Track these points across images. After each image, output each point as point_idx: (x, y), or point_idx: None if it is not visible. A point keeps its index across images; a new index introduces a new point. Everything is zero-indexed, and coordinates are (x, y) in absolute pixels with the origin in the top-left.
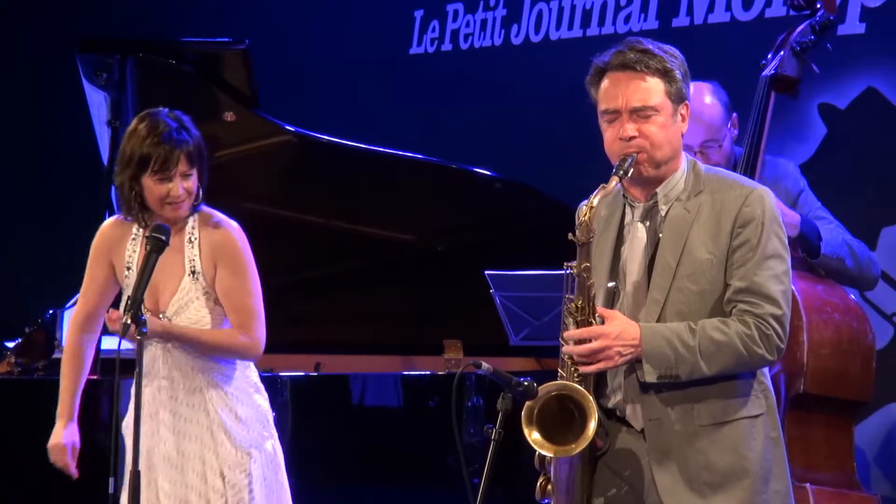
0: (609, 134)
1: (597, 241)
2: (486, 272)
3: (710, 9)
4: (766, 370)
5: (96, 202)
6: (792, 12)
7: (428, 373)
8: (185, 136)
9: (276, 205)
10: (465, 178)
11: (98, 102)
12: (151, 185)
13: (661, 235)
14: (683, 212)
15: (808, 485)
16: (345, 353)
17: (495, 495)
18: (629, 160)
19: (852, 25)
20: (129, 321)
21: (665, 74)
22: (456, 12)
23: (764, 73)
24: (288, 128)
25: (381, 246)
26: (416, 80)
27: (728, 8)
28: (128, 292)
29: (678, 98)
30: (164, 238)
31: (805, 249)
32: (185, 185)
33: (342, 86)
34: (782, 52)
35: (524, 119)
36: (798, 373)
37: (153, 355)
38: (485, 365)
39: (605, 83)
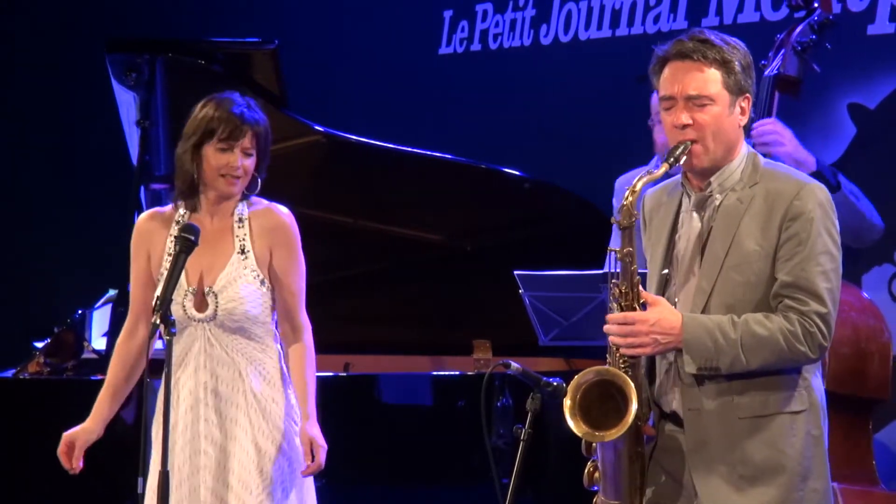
0: (667, 122)
1: (656, 227)
2: (516, 272)
3: (740, 9)
4: (812, 367)
5: (126, 202)
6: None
7: (457, 373)
8: (256, 116)
9: (305, 204)
10: (494, 177)
11: (127, 102)
12: (211, 155)
13: (712, 225)
14: (736, 202)
15: (835, 484)
16: (374, 354)
17: (524, 495)
18: (681, 148)
19: (882, 25)
20: (157, 321)
21: (723, 65)
22: (485, 12)
23: (766, 73)
24: (317, 128)
25: (410, 246)
26: (446, 81)
27: (757, 8)
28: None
29: (737, 90)
30: (192, 238)
31: None
32: (244, 161)
33: (371, 86)
34: (783, 52)
35: (553, 119)
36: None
37: (194, 337)
38: (514, 365)
39: (665, 72)
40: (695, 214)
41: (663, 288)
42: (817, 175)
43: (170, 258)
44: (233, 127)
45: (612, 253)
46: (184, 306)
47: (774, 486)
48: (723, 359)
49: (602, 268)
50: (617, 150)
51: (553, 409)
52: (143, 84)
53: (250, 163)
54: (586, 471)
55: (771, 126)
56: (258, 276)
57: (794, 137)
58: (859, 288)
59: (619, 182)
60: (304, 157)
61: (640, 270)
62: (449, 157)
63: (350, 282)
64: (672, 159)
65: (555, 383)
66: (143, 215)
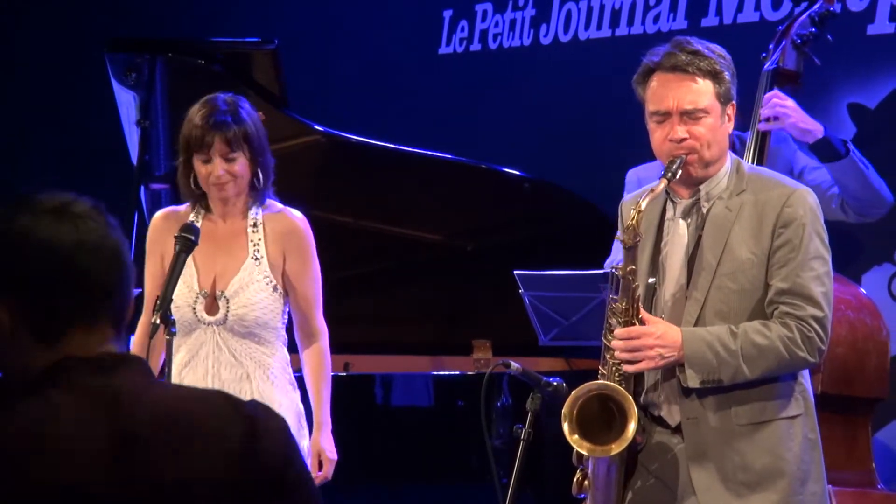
0: (658, 135)
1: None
2: (516, 272)
3: (740, 8)
4: (804, 371)
5: (126, 202)
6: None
7: (457, 373)
8: (227, 119)
9: (305, 205)
10: (494, 177)
11: (127, 102)
12: (198, 167)
13: (702, 234)
14: (725, 210)
15: (829, 486)
16: (374, 353)
17: (524, 495)
18: (678, 162)
19: (882, 25)
20: (157, 321)
21: (715, 76)
22: (485, 12)
23: (765, 68)
24: (317, 127)
25: (410, 246)
26: (445, 80)
27: (757, 7)
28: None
29: (726, 99)
30: (192, 238)
31: (826, 153)
32: (226, 167)
33: (371, 85)
34: (783, 45)
35: (553, 119)
36: (814, 373)
37: (202, 341)
38: (514, 365)
39: (653, 83)
40: (681, 222)
41: (651, 297)
42: (824, 142)
43: None
44: (201, 137)
45: (613, 270)
46: (194, 309)
47: (775, 491)
48: (725, 370)
49: (602, 267)
50: (617, 151)
51: (553, 408)
52: (143, 84)
53: (239, 166)
54: (575, 479)
55: (776, 99)
56: (270, 281)
57: (798, 106)
58: (858, 286)
59: (630, 176)
60: (303, 157)
61: None
62: (449, 156)
63: (350, 282)
64: (670, 174)
65: (555, 383)
66: (158, 214)
